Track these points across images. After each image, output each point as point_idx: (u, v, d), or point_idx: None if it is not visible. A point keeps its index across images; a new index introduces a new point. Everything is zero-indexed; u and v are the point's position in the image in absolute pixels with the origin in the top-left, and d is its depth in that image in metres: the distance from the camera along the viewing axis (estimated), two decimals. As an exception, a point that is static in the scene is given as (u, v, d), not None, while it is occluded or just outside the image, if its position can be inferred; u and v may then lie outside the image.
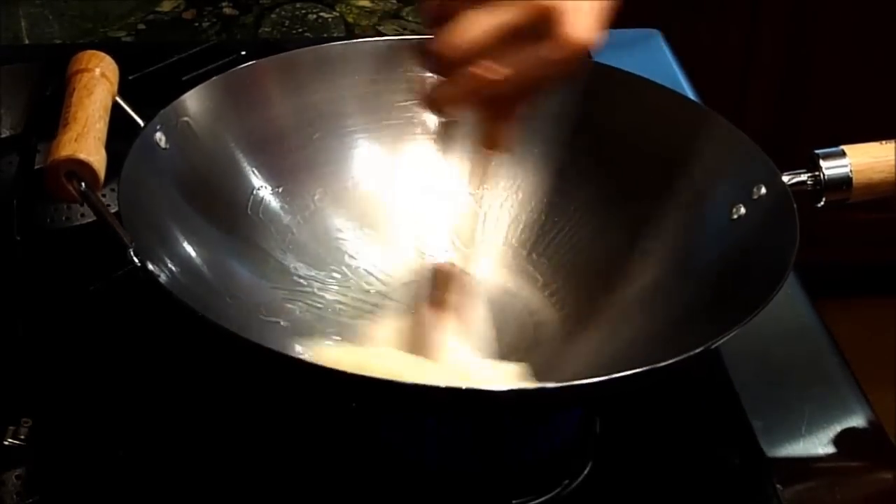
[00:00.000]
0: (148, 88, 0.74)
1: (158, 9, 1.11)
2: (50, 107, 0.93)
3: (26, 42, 1.08)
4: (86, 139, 0.62)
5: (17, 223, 0.80)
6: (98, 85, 0.68)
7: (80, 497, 0.63)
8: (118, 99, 0.70)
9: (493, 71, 0.56)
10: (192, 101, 0.72)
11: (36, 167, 0.87)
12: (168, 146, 0.69)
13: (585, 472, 0.66)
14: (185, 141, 0.70)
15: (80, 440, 0.65)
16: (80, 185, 0.62)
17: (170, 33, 1.09)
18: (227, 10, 1.11)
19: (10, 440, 0.65)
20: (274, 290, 0.70)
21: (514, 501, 0.64)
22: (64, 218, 0.82)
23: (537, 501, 0.64)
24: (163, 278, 0.60)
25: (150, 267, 0.60)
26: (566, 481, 0.65)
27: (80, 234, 0.82)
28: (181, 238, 0.67)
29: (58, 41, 1.08)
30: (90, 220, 0.82)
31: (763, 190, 0.68)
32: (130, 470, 0.65)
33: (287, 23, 1.11)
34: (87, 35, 1.08)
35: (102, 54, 0.71)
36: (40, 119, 0.91)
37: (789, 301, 0.77)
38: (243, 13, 1.11)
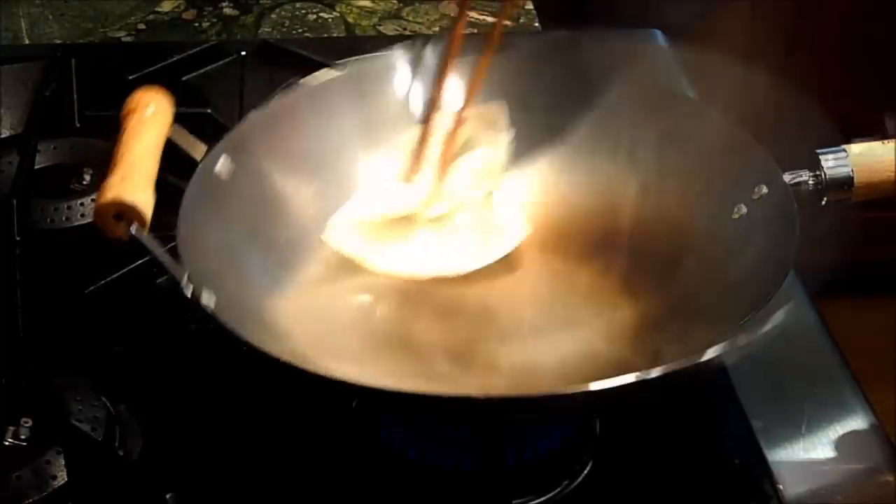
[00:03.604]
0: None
1: (158, 9, 1.11)
2: (50, 107, 0.93)
3: (26, 42, 1.08)
4: (131, 181, 0.64)
5: (17, 223, 0.80)
6: (147, 126, 0.69)
7: (80, 497, 0.63)
8: (174, 134, 0.71)
9: None
10: (253, 129, 0.72)
11: (36, 167, 0.87)
12: (229, 177, 0.69)
13: (585, 472, 0.66)
14: (244, 171, 0.70)
15: (80, 440, 0.65)
16: (129, 226, 0.63)
17: (170, 33, 1.09)
18: (227, 10, 1.11)
19: (10, 440, 0.65)
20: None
21: (514, 501, 0.64)
22: (64, 218, 0.83)
23: (537, 501, 0.64)
24: (215, 312, 0.59)
25: (204, 302, 0.60)
26: (566, 481, 0.65)
27: (80, 234, 0.82)
28: (236, 268, 0.67)
29: (58, 41, 1.08)
30: (90, 219, 0.82)
31: (764, 189, 0.68)
32: (129, 470, 0.65)
33: (287, 23, 1.11)
34: (87, 35, 1.08)
35: (155, 91, 0.72)
36: (40, 119, 0.92)
37: (789, 301, 0.77)
38: (243, 13, 1.11)
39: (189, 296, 0.60)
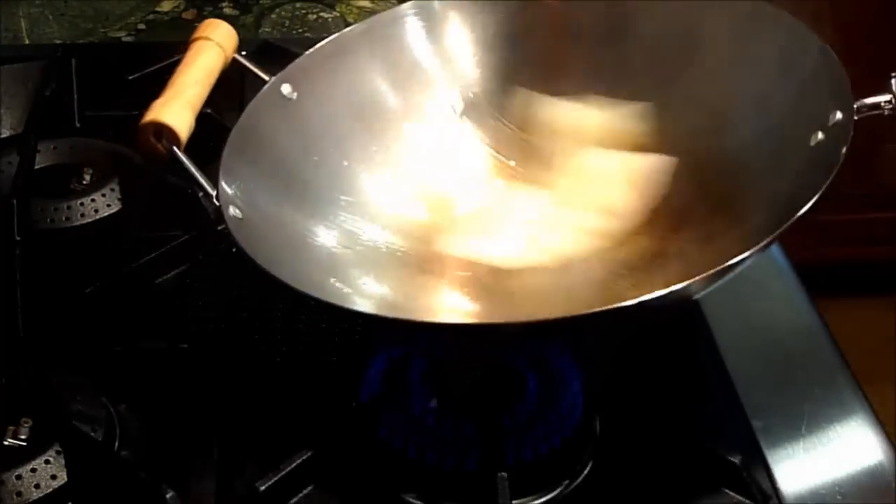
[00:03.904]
0: (148, 88, 0.74)
1: (158, 9, 1.11)
2: (50, 107, 0.93)
3: (26, 42, 1.08)
4: (173, 104, 0.69)
5: (17, 223, 0.80)
6: (205, 52, 0.74)
7: (80, 497, 0.63)
8: (239, 58, 0.76)
9: None
10: (313, 64, 0.75)
11: (36, 167, 0.87)
12: (295, 97, 0.73)
13: (585, 472, 0.66)
14: (311, 96, 0.74)
15: (80, 440, 0.65)
16: (166, 144, 0.68)
17: (170, 33, 1.09)
18: (227, 10, 1.11)
19: (10, 440, 0.65)
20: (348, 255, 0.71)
21: (514, 501, 0.64)
22: (64, 218, 0.83)
23: (537, 501, 0.64)
24: (238, 228, 0.62)
25: (232, 213, 0.63)
26: (566, 481, 0.65)
27: (80, 234, 0.82)
28: (275, 192, 0.69)
29: (58, 41, 1.08)
30: (90, 220, 0.83)
31: (839, 115, 0.63)
32: (129, 470, 0.65)
33: (287, 23, 1.11)
34: (87, 35, 1.09)
35: (219, 22, 0.77)
36: (40, 119, 0.92)
37: (789, 301, 0.77)
38: (243, 13, 1.11)
39: (216, 205, 0.63)
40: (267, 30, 1.10)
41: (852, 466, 0.66)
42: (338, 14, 1.12)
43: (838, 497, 0.64)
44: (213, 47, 0.75)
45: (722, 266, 0.55)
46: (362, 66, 0.77)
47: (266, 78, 0.74)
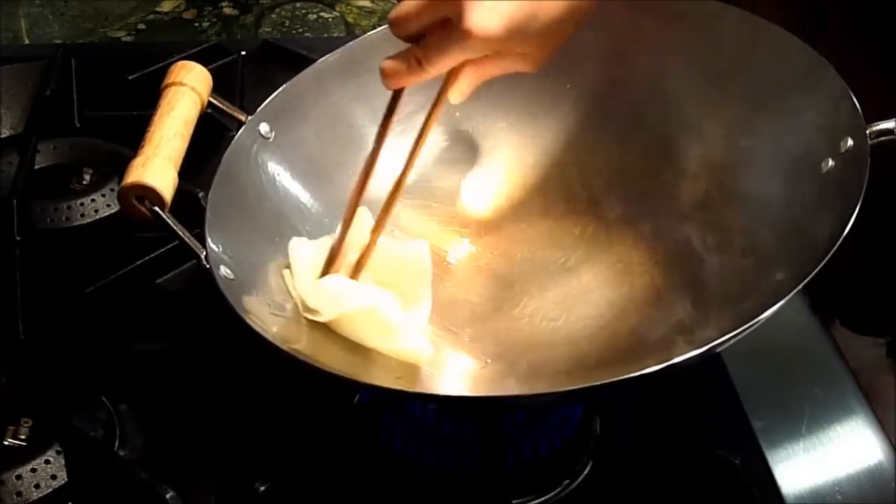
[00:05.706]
0: (148, 88, 0.74)
1: (158, 9, 1.11)
2: (50, 107, 0.93)
3: (26, 42, 1.08)
4: (153, 163, 0.65)
5: (17, 223, 0.80)
6: (181, 100, 0.70)
7: (80, 497, 0.63)
8: (214, 100, 0.72)
9: (416, 54, 0.63)
10: (287, 100, 0.73)
11: (36, 167, 0.87)
12: (273, 137, 0.71)
13: (585, 472, 0.66)
14: (289, 133, 0.72)
15: (80, 440, 0.65)
16: (150, 206, 0.64)
17: (170, 33, 1.09)
18: (227, 10, 1.12)
19: (10, 440, 0.65)
20: None
21: (514, 501, 0.64)
22: (64, 218, 0.83)
23: (537, 501, 0.64)
24: (229, 288, 0.61)
25: (223, 273, 0.62)
26: (566, 481, 0.65)
27: (80, 234, 0.82)
28: (266, 240, 0.68)
29: (58, 41, 1.08)
30: (90, 219, 0.83)
31: (850, 142, 0.62)
32: (129, 470, 0.65)
33: (287, 23, 1.11)
34: (87, 35, 1.09)
35: (192, 64, 0.73)
36: (40, 119, 0.92)
37: (789, 301, 0.77)
38: (243, 13, 1.11)
39: (207, 266, 0.61)
40: (267, 30, 1.10)
41: (852, 466, 0.66)
42: (338, 14, 1.12)
43: (838, 497, 0.64)
44: (188, 93, 0.71)
45: (755, 321, 0.55)
46: (338, 97, 0.75)
47: (242, 118, 0.71)
